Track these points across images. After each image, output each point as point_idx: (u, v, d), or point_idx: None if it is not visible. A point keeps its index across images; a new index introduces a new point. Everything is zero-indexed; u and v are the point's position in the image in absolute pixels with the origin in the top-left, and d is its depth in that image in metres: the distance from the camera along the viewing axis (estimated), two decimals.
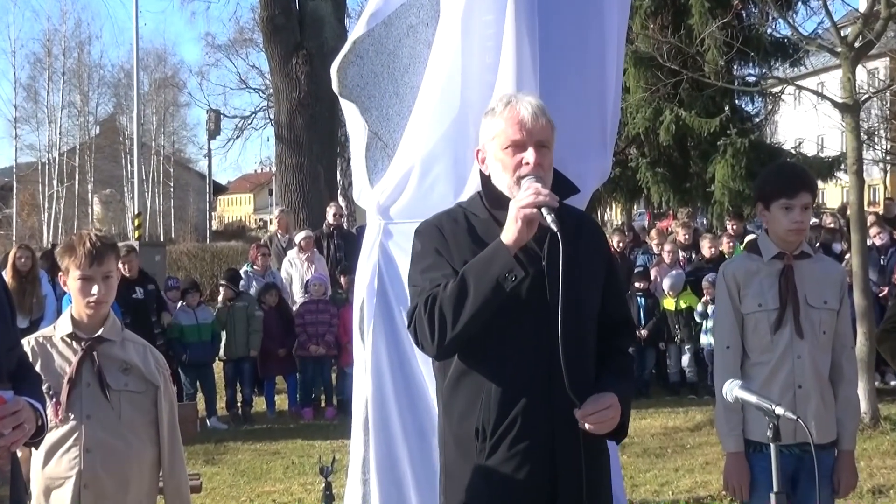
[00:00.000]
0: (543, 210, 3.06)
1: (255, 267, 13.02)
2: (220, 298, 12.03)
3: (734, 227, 14.19)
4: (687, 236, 13.91)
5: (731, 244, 13.09)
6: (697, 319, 12.22)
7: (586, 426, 3.15)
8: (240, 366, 11.83)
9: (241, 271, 13.04)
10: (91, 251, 3.79)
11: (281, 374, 12.25)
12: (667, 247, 13.29)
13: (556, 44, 4.47)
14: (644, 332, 12.16)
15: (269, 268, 13.16)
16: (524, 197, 3.08)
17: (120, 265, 9.34)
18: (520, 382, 3.18)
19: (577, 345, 3.16)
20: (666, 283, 12.48)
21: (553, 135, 3.29)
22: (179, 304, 11.76)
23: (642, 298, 12.47)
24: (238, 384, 11.89)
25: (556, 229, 3.05)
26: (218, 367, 12.10)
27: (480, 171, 3.40)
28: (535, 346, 3.17)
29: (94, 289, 3.81)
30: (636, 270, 12.76)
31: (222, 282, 12.29)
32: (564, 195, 3.27)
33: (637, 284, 12.48)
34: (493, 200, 3.31)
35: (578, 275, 3.17)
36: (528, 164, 3.21)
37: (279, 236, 14.95)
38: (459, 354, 3.22)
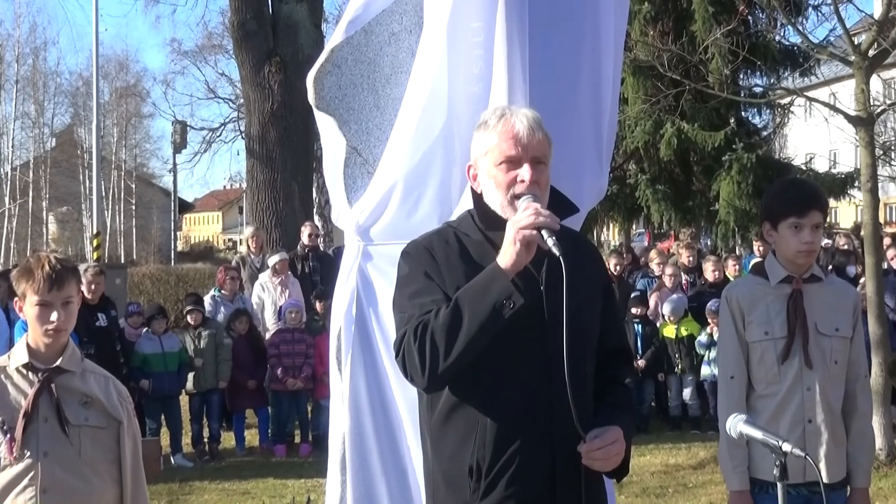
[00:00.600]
0: (544, 232, 3.05)
1: (223, 291, 12.93)
2: (192, 333, 11.81)
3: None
4: (690, 258, 13.86)
5: (737, 267, 13.08)
6: (699, 350, 12.13)
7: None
8: (207, 398, 11.72)
9: (209, 296, 12.96)
10: (50, 275, 3.78)
11: (251, 407, 12.15)
12: (668, 270, 13.23)
13: (549, 52, 4.45)
14: (642, 363, 12.12)
15: (238, 292, 13.09)
16: (523, 217, 3.06)
17: (83, 288, 9.30)
18: (518, 415, 3.16)
19: (578, 376, 3.15)
20: (666, 308, 12.44)
21: (550, 150, 3.29)
22: (144, 331, 11.65)
23: (640, 326, 12.42)
24: (205, 418, 11.80)
25: (558, 254, 3.04)
26: (183, 400, 12.02)
27: (472, 188, 3.39)
28: (534, 374, 3.17)
29: (53, 315, 3.80)
30: (633, 295, 12.70)
31: (189, 307, 12.17)
32: (563, 215, 3.26)
33: (634, 310, 12.42)
34: (486, 220, 3.30)
35: (577, 301, 3.14)
36: (523, 181, 3.20)
37: (252, 257, 14.81)
38: (450, 386, 3.20)
